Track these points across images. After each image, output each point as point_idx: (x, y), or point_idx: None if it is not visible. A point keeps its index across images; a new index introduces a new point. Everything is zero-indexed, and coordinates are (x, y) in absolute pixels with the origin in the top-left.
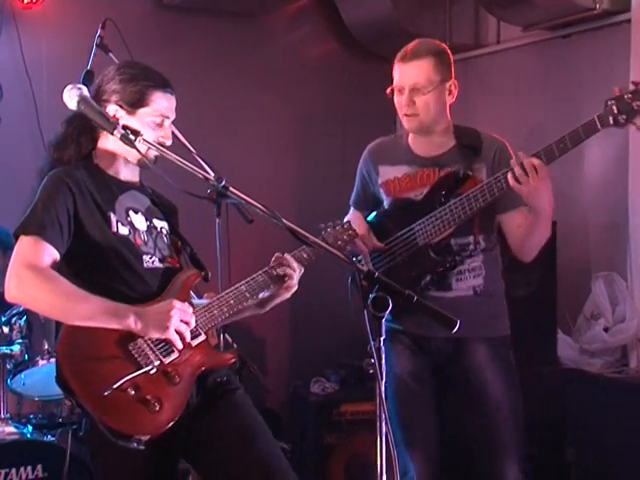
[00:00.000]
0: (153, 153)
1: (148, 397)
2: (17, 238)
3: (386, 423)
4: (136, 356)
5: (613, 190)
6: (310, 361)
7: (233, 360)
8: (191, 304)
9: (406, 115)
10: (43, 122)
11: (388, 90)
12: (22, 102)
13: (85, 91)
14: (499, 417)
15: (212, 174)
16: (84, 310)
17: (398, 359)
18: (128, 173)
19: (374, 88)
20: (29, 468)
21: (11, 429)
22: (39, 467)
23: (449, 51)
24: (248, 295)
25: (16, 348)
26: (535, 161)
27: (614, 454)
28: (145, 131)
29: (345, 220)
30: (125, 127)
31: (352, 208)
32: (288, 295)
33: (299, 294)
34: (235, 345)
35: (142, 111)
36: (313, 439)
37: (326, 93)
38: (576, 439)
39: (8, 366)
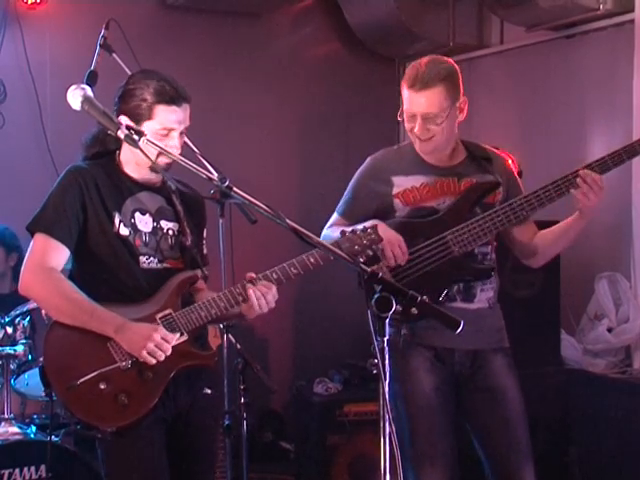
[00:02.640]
0: (164, 161)
1: (117, 391)
2: (31, 233)
3: (390, 423)
4: (112, 352)
5: (617, 190)
6: (313, 361)
7: (213, 360)
8: (187, 303)
9: (419, 139)
10: (47, 122)
11: (399, 115)
12: (26, 103)
13: (89, 91)
14: (519, 421)
15: (215, 174)
16: (75, 313)
17: (419, 372)
18: (146, 173)
19: (377, 88)
20: (32, 468)
21: (15, 429)
22: (42, 467)
23: (457, 67)
24: (241, 299)
25: (20, 348)
26: (597, 176)
27: (617, 454)
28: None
29: (332, 229)
30: (129, 127)
31: (337, 216)
32: (250, 316)
33: (302, 295)
34: (239, 345)
35: (147, 124)
36: (316, 439)
37: (329, 93)
38: (579, 439)
39: (12, 366)
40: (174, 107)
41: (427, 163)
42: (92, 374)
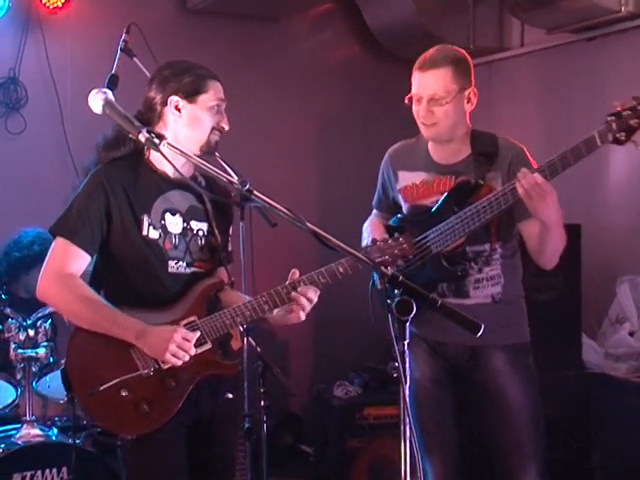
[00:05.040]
0: (215, 139)
1: (139, 399)
2: (53, 235)
3: (410, 427)
4: (135, 359)
5: (638, 193)
6: (333, 364)
7: (236, 370)
8: (210, 310)
9: (424, 124)
10: (68, 126)
11: (406, 99)
12: (47, 107)
13: (110, 95)
14: (520, 421)
15: (236, 178)
16: (95, 320)
17: (417, 362)
18: (183, 166)
19: (397, 91)
20: (54, 470)
21: (37, 431)
22: (64, 469)
23: (469, 58)
24: (267, 308)
25: (41, 351)
26: (538, 178)
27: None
28: (207, 117)
29: (367, 224)
30: (150, 131)
31: (374, 209)
32: (294, 321)
33: (322, 298)
34: (259, 349)
35: (202, 97)
36: (336, 443)
37: (349, 96)
38: (601, 443)
39: (34, 369)
40: (218, 82)
41: (432, 160)
42: (114, 381)
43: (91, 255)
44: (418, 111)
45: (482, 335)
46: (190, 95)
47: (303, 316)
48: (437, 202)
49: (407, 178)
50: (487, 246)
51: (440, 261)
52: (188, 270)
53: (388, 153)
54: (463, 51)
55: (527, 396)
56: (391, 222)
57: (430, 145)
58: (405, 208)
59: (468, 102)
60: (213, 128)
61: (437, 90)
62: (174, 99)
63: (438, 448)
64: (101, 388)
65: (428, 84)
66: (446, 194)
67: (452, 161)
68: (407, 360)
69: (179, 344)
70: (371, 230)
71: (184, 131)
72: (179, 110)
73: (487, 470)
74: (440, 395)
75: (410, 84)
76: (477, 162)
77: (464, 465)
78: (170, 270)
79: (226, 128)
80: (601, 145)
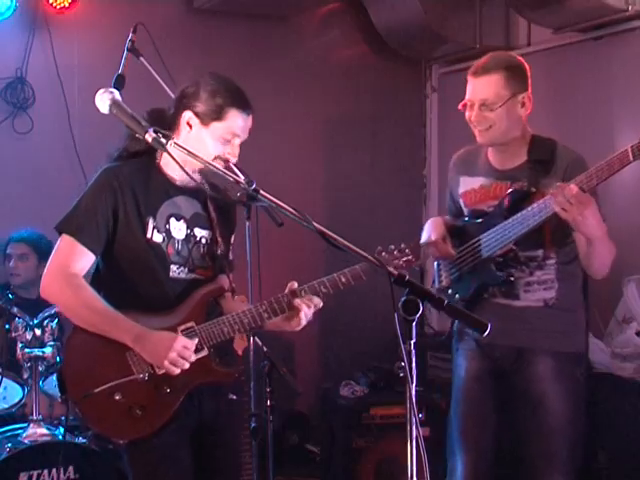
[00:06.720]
0: (197, 177)
1: (132, 403)
2: (59, 232)
3: (416, 427)
4: (130, 363)
5: None
6: (339, 364)
7: (232, 378)
8: (213, 311)
9: (478, 129)
10: (75, 126)
11: (460, 105)
12: (54, 106)
13: (117, 95)
14: (555, 430)
15: (243, 177)
16: (95, 321)
17: (465, 360)
18: (186, 176)
19: (404, 90)
20: (61, 469)
21: (43, 431)
22: (70, 469)
23: (525, 63)
24: (266, 316)
25: (48, 350)
26: (574, 189)
27: None
28: (214, 144)
29: (430, 221)
30: (157, 131)
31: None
32: (294, 328)
33: (329, 297)
34: (265, 348)
35: (215, 125)
36: (342, 442)
37: (356, 96)
38: (607, 443)
39: (40, 368)
40: (245, 115)
41: (490, 165)
42: (108, 384)
43: (96, 254)
44: (470, 116)
45: (530, 338)
46: (205, 117)
47: (303, 323)
48: (493, 207)
49: (468, 183)
50: (540, 252)
51: (489, 265)
52: (189, 276)
53: (452, 159)
54: (519, 57)
55: (567, 407)
56: (456, 224)
57: (489, 150)
58: (466, 212)
59: (522, 107)
60: (217, 157)
61: (488, 95)
62: (188, 114)
63: (472, 446)
64: (95, 391)
65: (480, 89)
66: (501, 199)
67: (509, 166)
68: (413, 360)
69: (179, 352)
70: (429, 229)
71: (188, 146)
72: (190, 126)
73: (512, 476)
74: (483, 395)
75: (419, 81)
76: (532, 169)
77: (496, 469)
78: (172, 275)
79: (232, 161)
80: (633, 161)
